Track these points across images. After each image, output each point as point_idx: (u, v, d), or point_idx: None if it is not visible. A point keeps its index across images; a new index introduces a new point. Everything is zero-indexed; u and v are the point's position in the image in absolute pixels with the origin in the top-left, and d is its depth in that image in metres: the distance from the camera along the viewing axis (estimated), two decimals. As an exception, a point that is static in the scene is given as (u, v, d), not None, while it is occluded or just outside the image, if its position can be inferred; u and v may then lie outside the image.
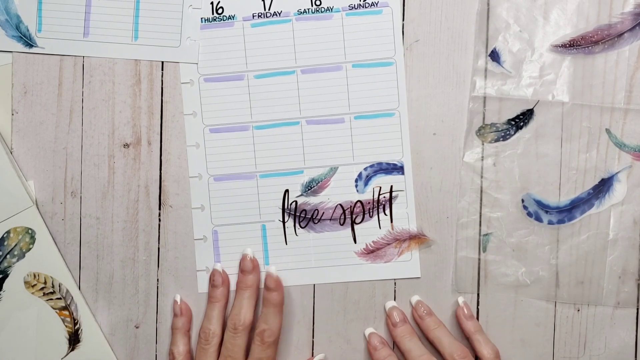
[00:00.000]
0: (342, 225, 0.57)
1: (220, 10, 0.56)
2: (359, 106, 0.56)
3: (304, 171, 0.57)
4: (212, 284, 0.56)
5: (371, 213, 0.57)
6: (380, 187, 0.56)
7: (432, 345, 0.54)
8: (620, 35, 0.55)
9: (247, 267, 0.56)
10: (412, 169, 0.56)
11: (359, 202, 0.57)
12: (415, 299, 0.56)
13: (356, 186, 0.57)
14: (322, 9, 0.56)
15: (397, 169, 0.56)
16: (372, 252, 0.57)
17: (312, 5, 0.56)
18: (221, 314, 0.56)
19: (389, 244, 0.56)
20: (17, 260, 0.56)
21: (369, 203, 0.57)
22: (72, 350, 0.57)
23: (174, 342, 0.56)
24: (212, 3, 0.56)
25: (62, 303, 0.56)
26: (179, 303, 0.57)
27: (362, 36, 0.56)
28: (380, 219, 0.56)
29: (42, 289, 0.56)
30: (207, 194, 0.57)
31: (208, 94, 0.57)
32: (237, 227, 0.57)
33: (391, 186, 0.56)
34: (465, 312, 0.55)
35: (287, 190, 0.57)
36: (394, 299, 0.57)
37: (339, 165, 0.56)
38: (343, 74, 0.56)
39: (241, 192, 0.57)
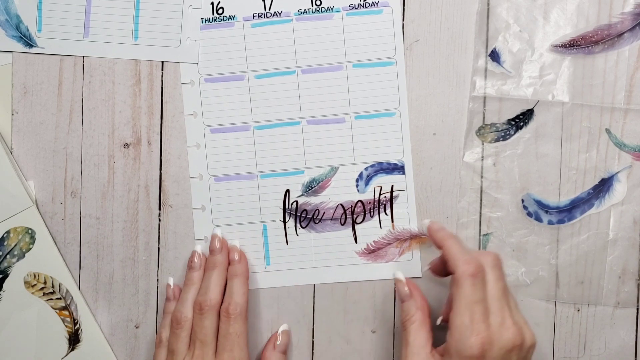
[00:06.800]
0: (343, 225, 0.57)
1: (220, 11, 0.56)
2: (360, 106, 0.56)
3: (304, 171, 0.57)
4: (190, 265, 0.55)
5: (372, 213, 0.57)
6: (381, 187, 0.56)
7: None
8: (620, 35, 0.55)
9: (215, 246, 0.55)
10: (413, 169, 0.56)
11: (359, 202, 0.57)
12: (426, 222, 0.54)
13: (357, 186, 0.57)
14: (323, 9, 0.56)
15: (398, 168, 0.56)
16: (373, 251, 0.57)
17: (312, 5, 0.56)
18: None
19: (390, 244, 0.56)
20: (17, 260, 0.56)
21: (369, 203, 0.57)
22: (72, 350, 0.57)
23: (164, 325, 0.54)
24: (212, 3, 0.56)
25: (62, 303, 0.56)
26: (172, 287, 0.56)
27: (363, 36, 0.56)
28: (381, 218, 0.56)
29: (42, 289, 0.56)
30: (207, 194, 0.57)
31: (208, 94, 0.57)
32: (238, 228, 0.57)
33: (392, 186, 0.56)
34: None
35: (287, 191, 0.57)
36: (394, 299, 0.57)
37: (340, 165, 0.56)
38: (343, 74, 0.56)
39: (242, 192, 0.57)
